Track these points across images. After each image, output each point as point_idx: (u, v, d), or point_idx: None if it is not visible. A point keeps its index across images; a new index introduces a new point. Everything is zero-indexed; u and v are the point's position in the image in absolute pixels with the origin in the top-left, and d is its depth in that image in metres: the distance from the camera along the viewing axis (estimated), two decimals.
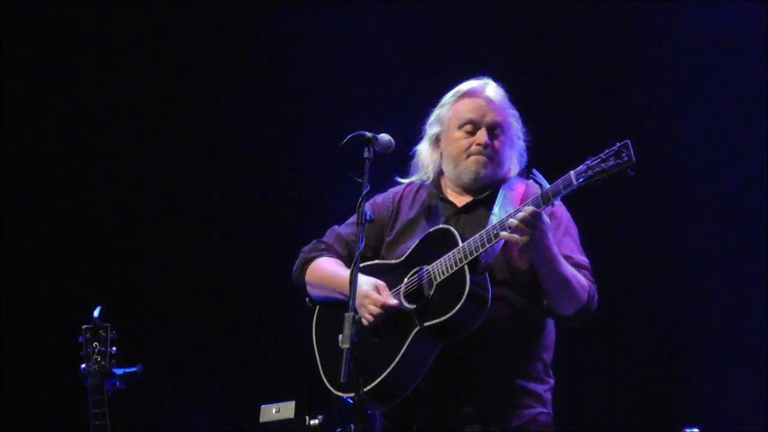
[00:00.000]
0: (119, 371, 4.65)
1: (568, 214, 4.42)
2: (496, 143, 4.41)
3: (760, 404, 6.21)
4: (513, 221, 4.08)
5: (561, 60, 6.65)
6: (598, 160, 4.02)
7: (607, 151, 4.03)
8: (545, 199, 4.09)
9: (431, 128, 4.53)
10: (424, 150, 4.56)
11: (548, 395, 4.36)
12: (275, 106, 7.06)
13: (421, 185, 4.58)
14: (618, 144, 4.02)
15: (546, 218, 4.13)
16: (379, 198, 4.61)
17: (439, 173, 4.54)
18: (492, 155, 4.40)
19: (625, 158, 4.00)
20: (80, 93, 7.09)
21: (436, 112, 4.53)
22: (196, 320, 6.95)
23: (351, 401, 4.13)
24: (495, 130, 4.42)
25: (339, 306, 4.35)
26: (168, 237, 7.06)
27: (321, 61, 6.97)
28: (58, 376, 6.37)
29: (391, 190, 4.63)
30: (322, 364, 4.37)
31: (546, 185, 4.09)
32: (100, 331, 4.67)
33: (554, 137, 6.24)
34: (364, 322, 4.22)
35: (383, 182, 4.63)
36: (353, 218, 4.58)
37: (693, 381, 6.35)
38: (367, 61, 6.87)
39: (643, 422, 6.35)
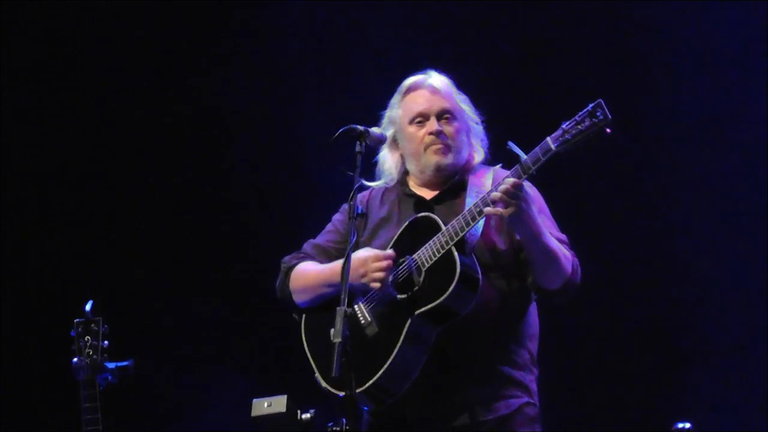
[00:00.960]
0: (111, 365, 4.64)
1: (540, 194, 4.41)
2: (449, 129, 4.42)
3: (753, 399, 6.22)
4: (496, 194, 4.07)
5: (547, 43, 6.66)
6: (573, 122, 4.01)
7: (581, 113, 4.01)
8: (525, 169, 4.08)
9: (386, 132, 4.51)
10: (385, 155, 4.55)
11: (534, 386, 4.35)
12: (269, 101, 7.05)
13: (388, 187, 4.57)
14: (591, 104, 4.01)
15: (528, 189, 4.13)
16: (348, 205, 4.60)
17: (404, 172, 4.54)
18: (447, 142, 4.40)
19: (600, 117, 3.98)
20: (69, 85, 7.09)
21: (387, 115, 4.54)
22: (189, 314, 6.94)
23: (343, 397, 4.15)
24: (444, 115, 4.42)
25: (325, 308, 4.35)
26: (160, 230, 7.05)
27: (313, 54, 6.98)
28: (50, 371, 6.38)
29: (359, 195, 4.57)
30: (318, 367, 4.35)
31: (523, 156, 4.08)
32: (92, 325, 4.67)
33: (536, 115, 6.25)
34: (376, 285, 4.20)
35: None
36: (328, 227, 4.61)
37: (686, 375, 6.36)
38: (361, 55, 6.87)
39: (636, 417, 6.35)
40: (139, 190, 7.10)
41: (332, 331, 3.86)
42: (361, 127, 4.29)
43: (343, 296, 3.94)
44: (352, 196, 4.15)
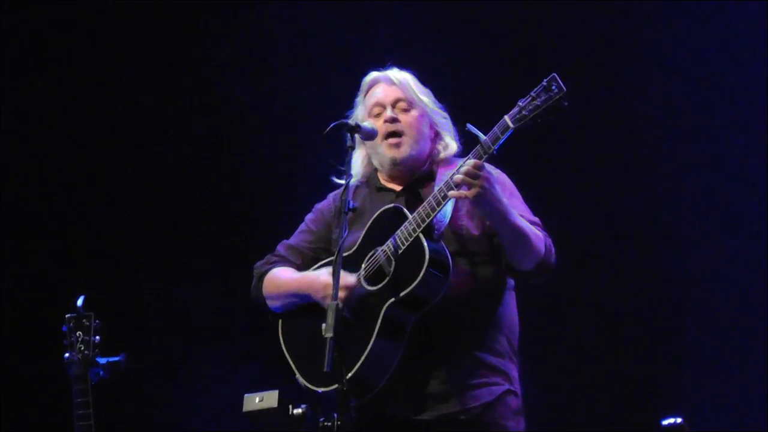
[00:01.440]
0: (103, 360, 4.67)
1: (510, 180, 4.44)
2: (406, 117, 4.44)
3: (743, 394, 6.23)
4: (458, 176, 4.09)
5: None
6: (529, 99, 4.06)
7: (536, 89, 4.06)
8: (485, 149, 4.10)
9: None
10: (355, 154, 4.51)
11: (515, 374, 4.37)
12: (260, 101, 7.06)
13: (359, 184, 4.58)
14: (545, 80, 4.05)
15: (490, 169, 4.14)
16: (320, 204, 4.65)
17: (374, 168, 4.56)
18: (401, 128, 4.42)
19: (556, 90, 4.03)
20: (57, 80, 7.08)
21: (354, 114, 4.54)
22: (181, 310, 6.94)
23: (322, 393, 4.23)
24: (399, 104, 4.46)
25: (300, 312, 4.39)
26: (151, 226, 7.05)
27: (302, 52, 6.98)
28: (42, 366, 6.38)
29: (331, 194, 4.65)
30: (297, 368, 4.39)
31: (482, 136, 4.11)
32: (84, 321, 4.70)
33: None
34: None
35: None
36: (301, 227, 4.63)
37: (676, 371, 6.36)
38: (351, 51, 6.87)
39: (626, 413, 6.35)
40: (131, 185, 7.10)
41: (324, 326, 3.88)
42: (352, 122, 4.31)
43: (334, 290, 3.96)
44: (344, 192, 4.16)
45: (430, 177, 4.39)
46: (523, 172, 4.56)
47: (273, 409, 4.46)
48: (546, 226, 4.37)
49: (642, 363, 6.41)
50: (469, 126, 4.12)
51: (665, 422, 4.67)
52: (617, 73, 6.57)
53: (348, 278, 4.24)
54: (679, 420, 4.77)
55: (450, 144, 4.49)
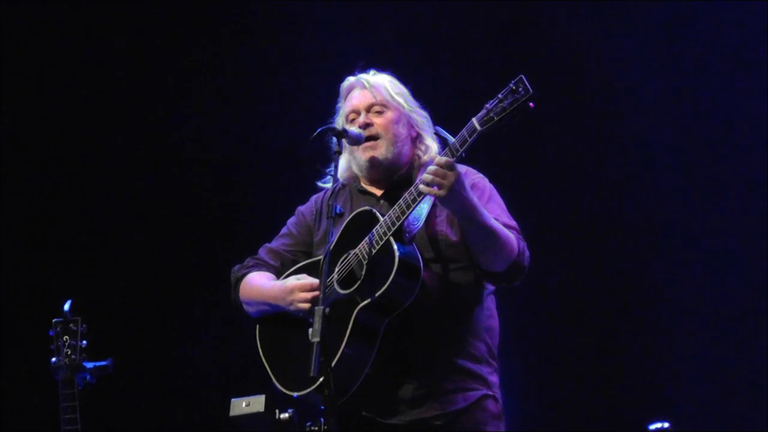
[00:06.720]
0: (90, 365, 4.67)
1: (491, 185, 4.45)
2: (379, 120, 4.43)
3: (730, 398, 6.25)
4: (427, 176, 4.08)
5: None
6: (496, 101, 4.06)
7: (503, 91, 4.06)
8: (453, 152, 4.10)
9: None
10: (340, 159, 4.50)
11: (493, 379, 4.35)
12: (244, 105, 7.07)
13: (341, 187, 4.55)
14: (512, 82, 4.05)
15: (459, 168, 4.12)
16: (302, 207, 4.65)
17: (356, 173, 4.55)
18: (377, 132, 4.42)
19: (522, 92, 4.02)
20: (43, 88, 7.07)
21: (336, 120, 4.54)
22: (167, 314, 6.94)
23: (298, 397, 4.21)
24: (373, 108, 4.45)
25: (275, 319, 4.40)
26: (138, 230, 7.04)
27: (288, 57, 7.00)
28: (29, 370, 6.37)
29: (313, 197, 4.65)
30: (274, 372, 4.38)
31: (451, 139, 4.11)
32: (71, 325, 4.70)
33: None
34: (302, 308, 4.24)
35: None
36: (283, 231, 4.63)
37: (663, 375, 6.38)
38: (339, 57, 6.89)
39: (613, 416, 6.36)
40: (118, 192, 7.09)
41: (311, 330, 3.88)
42: (339, 127, 4.32)
43: (321, 295, 3.97)
44: (330, 197, 4.17)
45: (409, 180, 4.38)
46: (509, 172, 4.54)
47: (260, 413, 4.47)
48: (529, 228, 4.37)
49: (629, 366, 6.42)
50: (438, 129, 4.14)
51: (652, 427, 4.68)
52: (597, 74, 6.59)
53: (311, 279, 4.27)
54: (666, 425, 4.78)
55: (431, 146, 4.48)
